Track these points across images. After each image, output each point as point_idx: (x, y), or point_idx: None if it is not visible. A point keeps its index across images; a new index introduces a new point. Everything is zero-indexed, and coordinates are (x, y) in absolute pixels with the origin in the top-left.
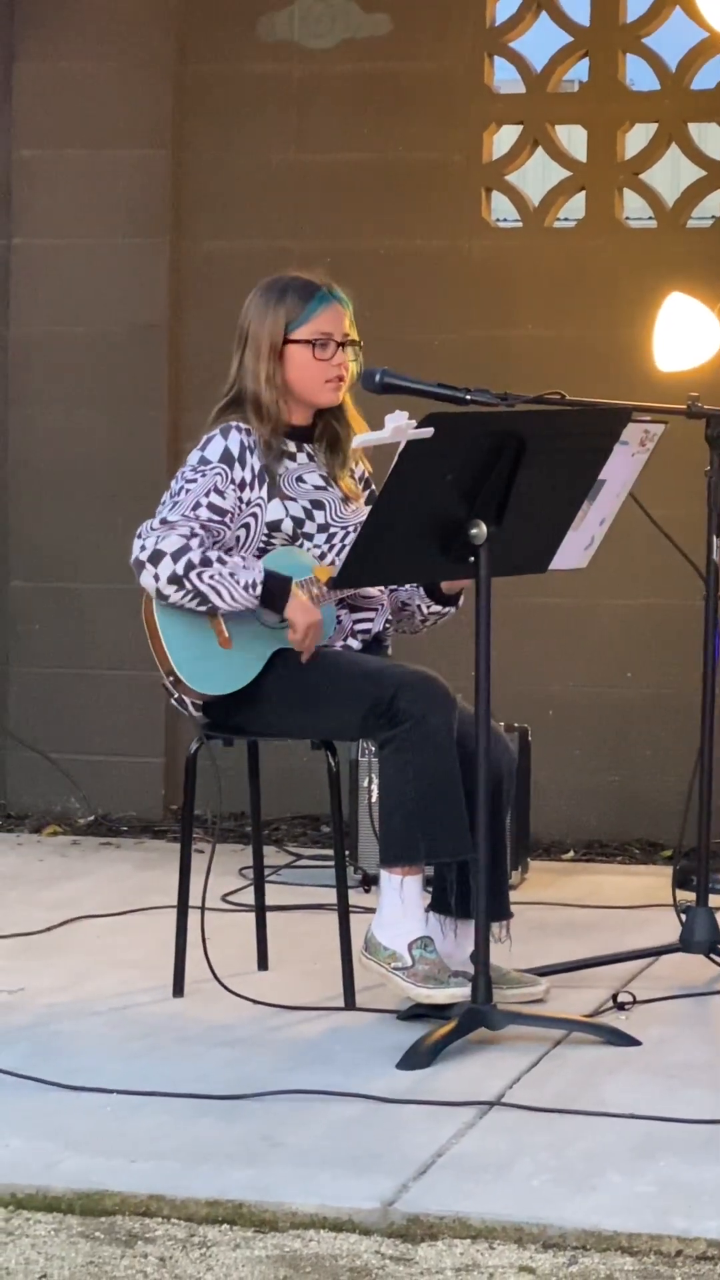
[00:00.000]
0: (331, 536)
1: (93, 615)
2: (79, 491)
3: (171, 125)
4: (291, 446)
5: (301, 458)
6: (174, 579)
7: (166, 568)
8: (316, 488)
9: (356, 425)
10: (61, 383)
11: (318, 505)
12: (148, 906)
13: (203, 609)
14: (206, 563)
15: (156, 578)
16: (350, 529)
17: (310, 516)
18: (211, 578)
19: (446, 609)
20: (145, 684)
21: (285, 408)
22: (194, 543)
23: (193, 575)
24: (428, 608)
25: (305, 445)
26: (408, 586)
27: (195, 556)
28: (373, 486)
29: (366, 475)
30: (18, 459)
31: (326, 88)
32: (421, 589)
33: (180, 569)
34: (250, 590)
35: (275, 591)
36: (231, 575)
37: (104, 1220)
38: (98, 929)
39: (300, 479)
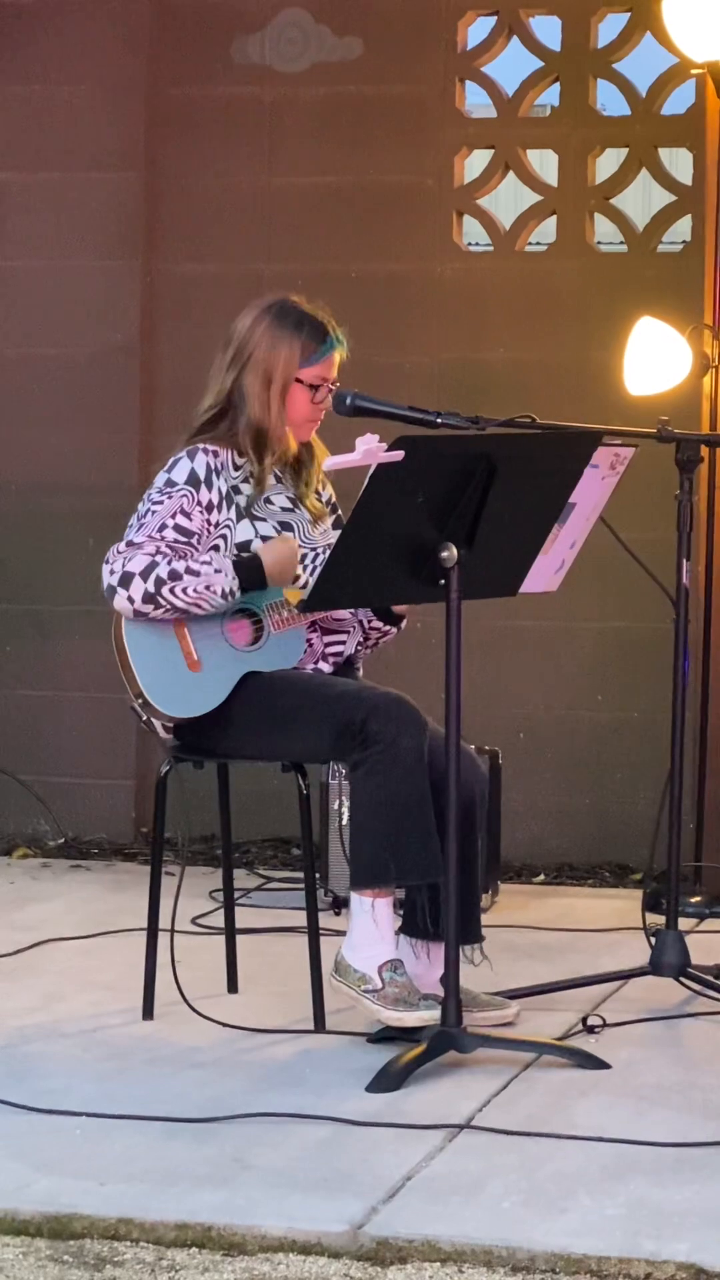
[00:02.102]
0: (302, 558)
1: (63, 637)
2: (49, 513)
3: (144, 148)
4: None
5: (269, 479)
6: (148, 597)
7: (138, 588)
8: (284, 509)
9: (319, 448)
10: (33, 404)
11: (286, 526)
12: (118, 929)
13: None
14: (176, 576)
15: (131, 599)
16: (320, 550)
17: (280, 536)
18: (185, 592)
19: (389, 628)
20: (115, 706)
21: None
22: (160, 559)
23: (165, 590)
24: (369, 622)
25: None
26: None
27: (164, 571)
28: (339, 511)
29: (333, 500)
30: None
31: (299, 111)
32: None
33: (152, 586)
34: (229, 598)
35: (253, 580)
36: (208, 588)
37: (73, 1243)
38: (68, 951)
39: (268, 500)
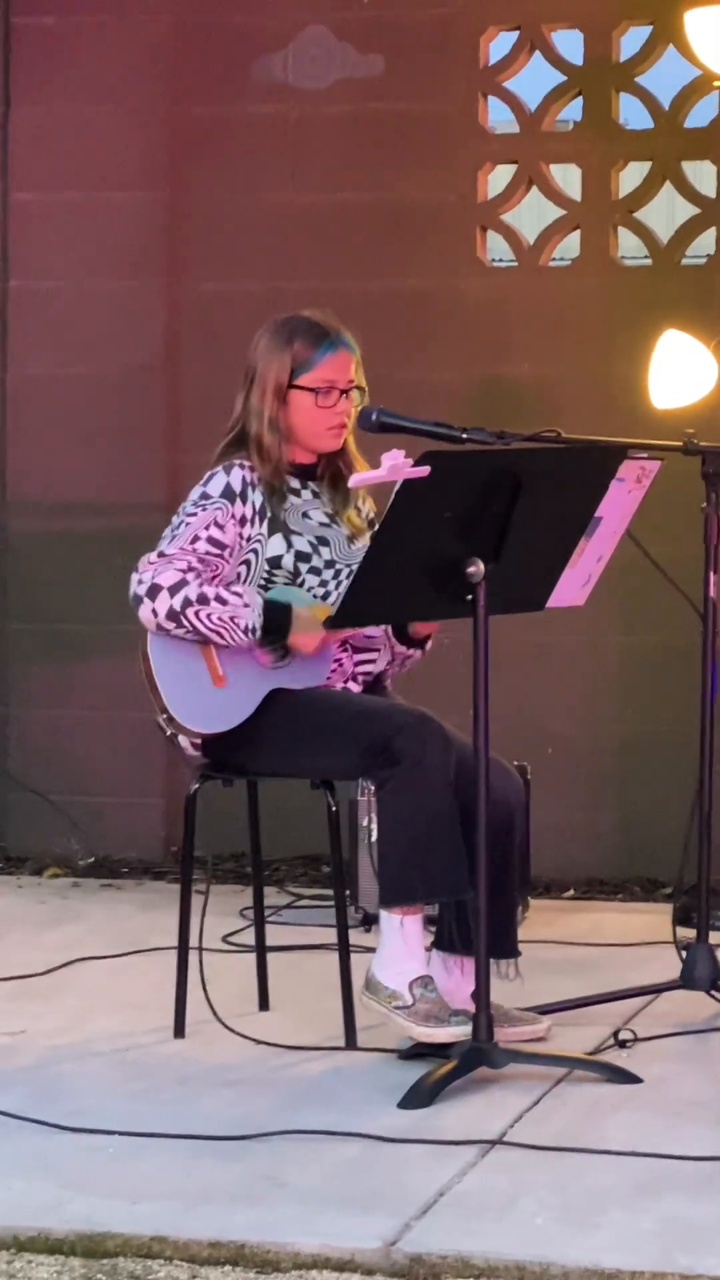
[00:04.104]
0: (339, 573)
1: (91, 657)
2: (77, 533)
3: (167, 167)
4: (295, 484)
5: (305, 494)
6: (171, 614)
7: (164, 602)
8: (321, 524)
9: (359, 464)
10: (59, 424)
11: (323, 541)
12: (148, 948)
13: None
14: (204, 600)
15: (155, 612)
16: (354, 568)
17: (317, 551)
18: (209, 618)
19: (413, 650)
20: (144, 726)
21: (287, 449)
22: (190, 577)
23: (190, 613)
24: (394, 646)
25: (310, 483)
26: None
27: (192, 593)
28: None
29: (372, 516)
30: (15, 500)
31: (322, 128)
32: (391, 629)
33: (178, 604)
34: (250, 635)
35: (275, 628)
36: (232, 619)
37: (106, 1262)
38: (99, 970)
39: (305, 515)
